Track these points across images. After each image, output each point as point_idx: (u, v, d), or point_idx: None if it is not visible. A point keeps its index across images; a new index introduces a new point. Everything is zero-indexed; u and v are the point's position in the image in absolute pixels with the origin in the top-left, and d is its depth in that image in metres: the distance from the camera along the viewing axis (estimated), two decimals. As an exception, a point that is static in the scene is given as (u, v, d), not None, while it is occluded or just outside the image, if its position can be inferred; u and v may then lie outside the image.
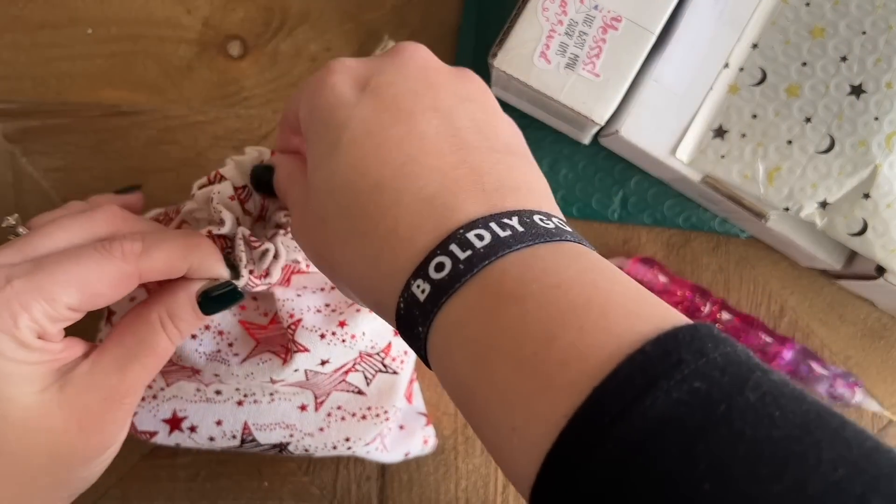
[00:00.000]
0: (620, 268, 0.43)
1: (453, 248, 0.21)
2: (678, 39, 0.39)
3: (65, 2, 0.45)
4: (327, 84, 0.25)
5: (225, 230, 0.31)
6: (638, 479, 0.17)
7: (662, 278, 0.43)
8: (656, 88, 0.39)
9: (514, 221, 0.22)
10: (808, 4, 0.39)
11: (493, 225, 0.22)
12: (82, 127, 0.44)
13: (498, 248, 0.21)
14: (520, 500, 0.43)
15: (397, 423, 0.39)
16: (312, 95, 0.25)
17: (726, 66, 0.40)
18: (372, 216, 0.23)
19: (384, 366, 0.37)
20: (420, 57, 0.26)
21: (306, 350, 0.34)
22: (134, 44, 0.44)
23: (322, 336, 0.35)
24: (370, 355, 0.37)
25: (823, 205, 0.39)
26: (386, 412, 0.37)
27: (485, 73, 0.41)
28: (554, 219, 0.23)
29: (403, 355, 0.38)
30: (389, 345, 0.37)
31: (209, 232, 0.31)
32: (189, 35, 0.45)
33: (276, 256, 0.32)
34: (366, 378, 0.37)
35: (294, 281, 0.35)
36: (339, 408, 0.37)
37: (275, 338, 0.36)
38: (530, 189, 0.24)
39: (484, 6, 0.44)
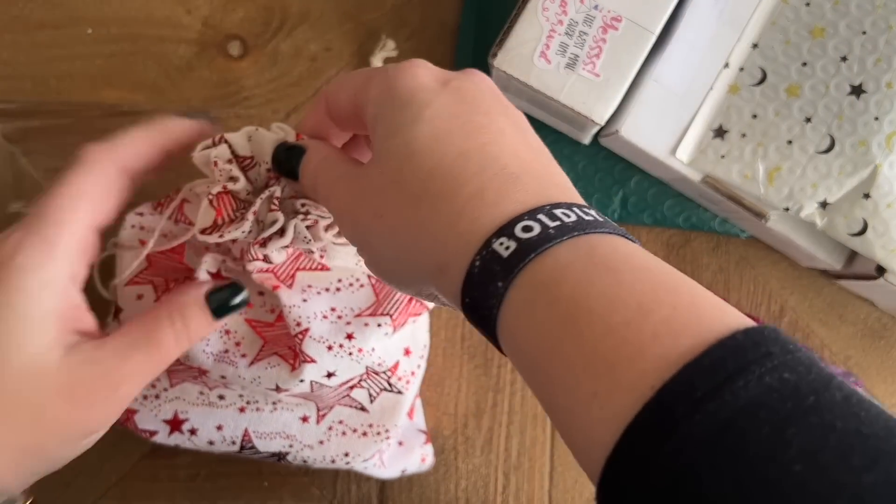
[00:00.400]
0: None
1: (542, 217, 0.22)
2: (678, 39, 0.39)
3: (65, 2, 0.45)
4: (409, 72, 0.26)
5: (238, 186, 0.31)
6: (726, 456, 0.17)
7: (662, 278, 0.43)
8: (656, 88, 0.39)
9: (593, 213, 0.23)
10: (808, 4, 0.39)
11: (576, 209, 0.23)
12: (82, 127, 0.44)
13: (585, 226, 0.22)
14: (520, 500, 0.43)
15: (396, 439, 0.39)
16: (393, 78, 0.26)
17: (726, 65, 0.40)
18: (457, 179, 0.23)
19: (389, 384, 0.37)
20: (488, 80, 0.27)
21: (313, 361, 0.34)
22: (134, 44, 0.44)
23: (329, 348, 0.35)
24: (376, 373, 0.37)
25: (823, 205, 0.39)
26: (387, 431, 0.37)
27: (485, 72, 0.41)
28: (586, 208, 0.24)
29: (410, 376, 0.38)
30: (397, 364, 0.37)
31: (224, 188, 0.30)
32: (189, 35, 0.45)
33: (281, 234, 0.31)
34: (370, 395, 0.37)
35: (298, 279, 0.35)
36: (340, 422, 0.37)
37: (282, 337, 0.36)
38: (571, 187, 0.26)
39: (484, 6, 0.44)
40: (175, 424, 0.37)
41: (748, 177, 0.39)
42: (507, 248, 0.22)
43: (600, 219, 0.23)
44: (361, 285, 0.36)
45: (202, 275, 0.34)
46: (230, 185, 0.31)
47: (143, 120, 0.32)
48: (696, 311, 0.20)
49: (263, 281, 0.34)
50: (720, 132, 0.39)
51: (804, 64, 0.39)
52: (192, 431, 0.37)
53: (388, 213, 0.25)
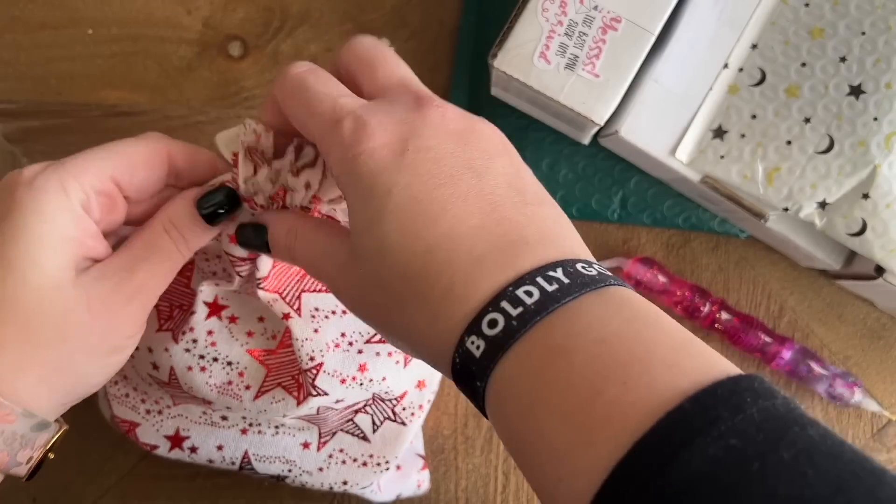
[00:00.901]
0: (619, 268, 0.43)
1: (505, 304, 0.22)
2: (678, 40, 0.39)
3: (65, 2, 0.45)
4: (364, 151, 0.25)
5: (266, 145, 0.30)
6: None
7: (662, 278, 0.43)
8: (656, 89, 0.39)
9: (560, 273, 0.23)
10: (807, 5, 0.39)
11: (539, 280, 0.23)
12: (83, 127, 0.44)
13: (547, 303, 0.22)
14: (520, 499, 0.43)
15: (395, 463, 0.39)
16: (349, 161, 0.25)
17: (726, 66, 0.40)
18: (428, 277, 0.24)
19: (394, 413, 0.37)
20: (449, 117, 0.26)
21: (325, 394, 0.34)
22: (134, 44, 0.44)
23: (343, 381, 0.34)
24: (383, 400, 0.37)
25: (823, 205, 0.39)
26: (387, 462, 0.37)
27: (485, 72, 0.41)
28: (594, 265, 0.24)
29: (417, 409, 0.38)
30: (405, 393, 0.37)
31: (248, 149, 0.30)
32: (189, 35, 0.45)
33: (312, 164, 0.30)
34: (373, 423, 0.37)
35: (304, 302, 0.34)
36: (341, 450, 0.37)
37: (286, 364, 0.35)
38: (565, 237, 0.25)
39: (484, 6, 0.44)
40: (176, 441, 0.37)
41: (747, 177, 0.39)
42: (478, 347, 0.23)
43: (565, 280, 0.23)
44: None
45: (198, 305, 0.34)
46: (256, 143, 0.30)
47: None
48: (648, 380, 0.20)
49: (271, 303, 0.33)
50: (719, 132, 0.40)
51: (803, 64, 0.39)
52: (193, 449, 0.37)
53: (379, 313, 0.26)
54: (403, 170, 0.25)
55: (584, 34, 0.37)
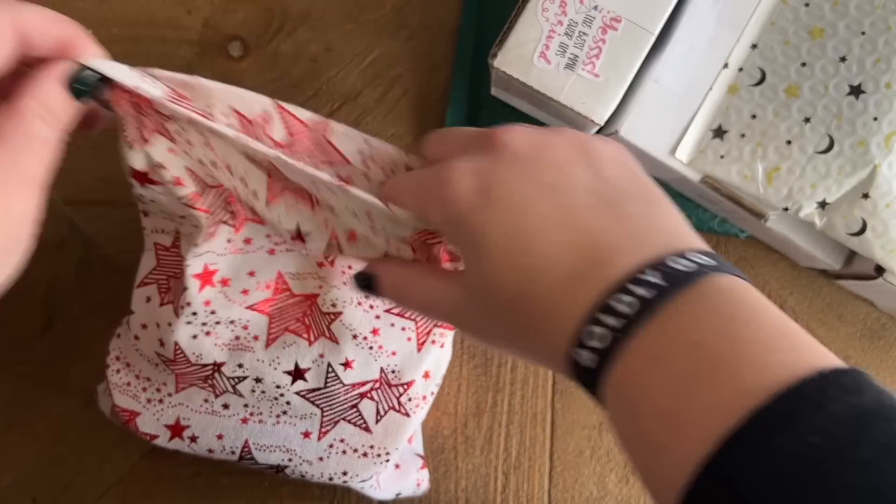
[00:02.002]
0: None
1: (604, 317, 0.24)
2: (678, 40, 0.39)
3: (65, 3, 0.45)
4: (451, 198, 0.27)
5: None
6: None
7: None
8: (656, 89, 0.39)
9: (653, 276, 0.24)
10: (807, 5, 0.39)
11: (634, 287, 0.24)
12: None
13: (644, 311, 0.23)
14: (519, 499, 0.43)
15: (394, 461, 0.39)
16: (444, 213, 0.27)
17: (726, 66, 0.40)
18: (533, 303, 0.25)
19: (399, 403, 0.37)
20: (517, 143, 0.28)
21: (336, 342, 0.36)
22: (135, 45, 0.44)
23: (354, 336, 0.36)
24: (389, 385, 0.37)
25: (822, 205, 0.39)
26: (388, 454, 0.37)
27: (485, 73, 0.41)
28: (691, 254, 0.24)
29: (421, 400, 0.38)
30: (412, 382, 0.37)
31: None
32: (190, 36, 0.45)
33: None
34: (377, 412, 0.37)
35: (340, 259, 0.36)
36: (341, 440, 0.37)
37: (287, 308, 0.36)
38: (655, 229, 0.26)
39: (484, 7, 0.44)
40: (176, 430, 0.37)
41: (747, 177, 0.39)
42: (586, 359, 0.24)
43: (663, 283, 0.23)
44: None
45: (189, 280, 0.34)
46: None
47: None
48: (735, 381, 0.21)
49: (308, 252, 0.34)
50: (719, 132, 0.40)
51: (803, 64, 0.39)
52: (193, 438, 0.37)
53: (498, 342, 0.29)
54: (490, 207, 0.26)
55: (584, 34, 0.37)
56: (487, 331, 0.28)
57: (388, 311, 0.37)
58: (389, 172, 0.32)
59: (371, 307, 0.36)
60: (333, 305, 0.36)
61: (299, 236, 0.33)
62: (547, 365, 0.27)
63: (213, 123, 0.29)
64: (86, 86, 0.29)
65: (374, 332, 0.36)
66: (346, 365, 0.36)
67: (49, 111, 0.28)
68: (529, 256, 0.25)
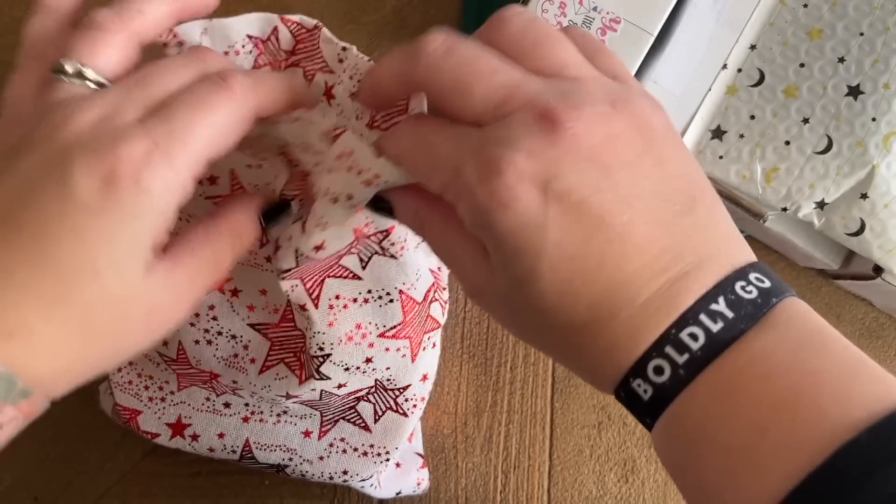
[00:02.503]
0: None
1: (670, 350, 0.22)
2: (677, 41, 0.40)
3: (67, 3, 0.45)
4: (499, 202, 0.22)
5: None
6: None
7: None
8: (655, 89, 0.40)
9: (722, 305, 0.22)
10: (805, 6, 0.39)
11: (703, 318, 0.22)
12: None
13: (714, 348, 0.22)
14: (519, 499, 0.43)
15: (394, 461, 0.39)
16: (483, 215, 0.22)
17: (724, 67, 0.40)
18: (590, 333, 0.23)
19: (396, 404, 0.37)
20: (582, 134, 0.22)
21: (328, 378, 0.34)
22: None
23: (346, 369, 0.35)
24: (386, 389, 0.37)
25: (821, 205, 0.39)
26: (387, 452, 0.38)
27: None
28: (752, 276, 0.23)
29: (419, 401, 0.38)
30: (409, 386, 0.37)
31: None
32: (190, 36, 0.45)
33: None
34: (375, 413, 0.37)
35: (327, 287, 0.33)
36: (342, 440, 0.37)
37: (288, 340, 0.36)
38: (719, 245, 0.23)
39: (483, 8, 0.45)
40: (178, 428, 0.37)
41: (746, 177, 0.39)
42: (645, 391, 0.22)
43: (728, 314, 0.22)
44: (391, 300, 0.34)
45: None
46: None
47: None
48: (818, 415, 0.20)
49: (291, 289, 0.32)
50: (718, 133, 0.40)
51: (802, 65, 0.39)
52: (194, 437, 0.37)
53: (534, 344, 0.26)
54: (550, 225, 0.22)
55: (584, 35, 0.37)
56: (523, 334, 0.26)
57: (381, 335, 0.35)
58: (357, 83, 0.30)
59: (364, 336, 0.34)
60: (321, 349, 0.34)
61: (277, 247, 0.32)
62: (585, 377, 0.25)
63: None
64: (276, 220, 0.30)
65: (368, 360, 0.35)
66: (340, 387, 0.36)
67: (242, 241, 0.28)
68: (596, 286, 0.22)
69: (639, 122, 0.23)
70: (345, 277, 0.33)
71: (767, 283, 0.23)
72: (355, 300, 0.34)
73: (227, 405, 0.37)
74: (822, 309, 0.45)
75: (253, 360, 0.35)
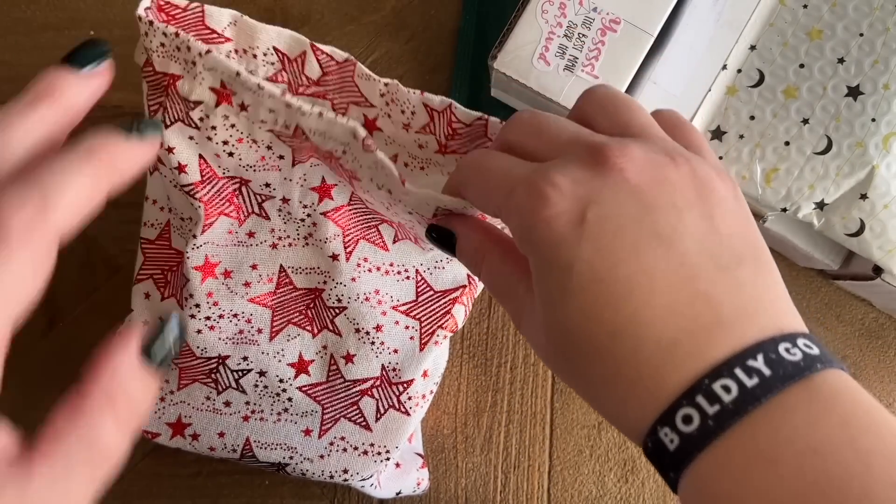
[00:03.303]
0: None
1: (700, 400, 0.21)
2: (676, 41, 0.40)
3: (67, 4, 0.45)
4: (542, 218, 0.23)
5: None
6: None
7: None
8: (655, 90, 0.40)
9: (760, 362, 0.21)
10: (805, 6, 0.39)
11: (738, 372, 0.21)
12: (85, 128, 0.44)
13: (746, 401, 0.21)
14: (519, 499, 0.43)
15: (394, 460, 0.40)
16: (527, 230, 0.24)
17: (724, 67, 0.40)
18: (613, 363, 0.23)
19: (399, 402, 0.38)
20: (629, 171, 0.23)
21: (339, 334, 0.36)
22: (136, 45, 0.45)
23: (357, 331, 0.37)
24: (390, 383, 0.37)
25: (821, 205, 0.39)
26: (388, 452, 0.38)
27: (484, 74, 0.42)
28: (799, 341, 0.22)
29: (421, 399, 0.38)
30: (412, 381, 0.38)
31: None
32: (191, 37, 0.45)
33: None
34: (378, 410, 0.38)
35: (359, 248, 0.36)
36: (342, 438, 0.38)
37: (289, 302, 0.37)
38: (765, 305, 0.23)
39: (483, 8, 0.45)
40: (178, 428, 0.37)
41: (746, 178, 0.39)
42: (672, 441, 0.21)
43: (766, 371, 0.21)
44: (408, 277, 0.37)
45: (189, 272, 0.35)
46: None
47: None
48: (870, 500, 0.19)
49: (330, 238, 0.35)
50: (718, 133, 0.40)
51: (802, 66, 0.39)
52: (194, 436, 0.37)
53: (563, 376, 0.25)
54: (583, 243, 0.23)
55: (584, 36, 0.38)
56: (553, 362, 0.25)
57: (394, 308, 0.37)
58: (410, 115, 0.33)
59: (379, 302, 0.37)
60: (339, 301, 0.36)
61: (325, 189, 0.35)
62: (607, 417, 0.24)
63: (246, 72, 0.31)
64: (168, 354, 0.23)
65: (378, 328, 0.37)
66: (348, 359, 0.37)
67: (128, 407, 0.21)
68: (619, 313, 0.22)
69: (696, 178, 0.24)
70: (376, 245, 0.36)
71: (816, 351, 0.22)
72: (378, 268, 0.37)
73: (227, 404, 0.37)
74: (822, 309, 0.45)
75: (260, 331, 0.36)
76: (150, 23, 0.30)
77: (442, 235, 0.29)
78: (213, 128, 0.32)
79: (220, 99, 0.31)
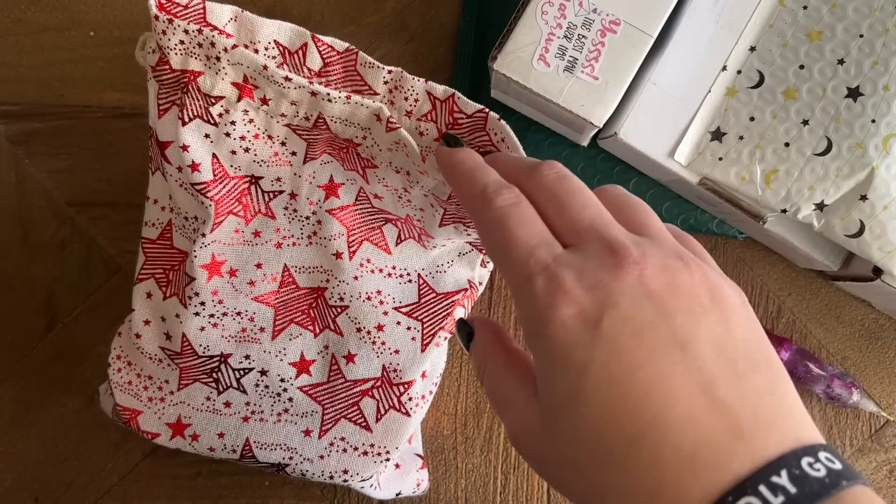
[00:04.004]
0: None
1: None
2: (676, 42, 0.40)
3: (67, 4, 0.45)
4: (557, 318, 0.23)
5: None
6: None
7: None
8: (654, 91, 0.40)
9: (784, 479, 0.20)
10: (805, 7, 0.39)
11: (763, 489, 0.20)
12: (85, 129, 0.44)
13: None
14: (519, 499, 0.43)
15: (394, 461, 0.40)
16: (540, 324, 0.24)
17: (724, 68, 0.40)
18: (631, 473, 0.22)
19: (399, 402, 0.38)
20: (648, 275, 0.23)
21: (340, 334, 0.36)
22: (136, 46, 0.45)
23: (358, 330, 0.37)
24: (391, 384, 0.38)
25: (820, 206, 0.39)
26: (388, 452, 0.38)
27: (484, 75, 0.42)
28: (821, 455, 0.21)
29: (421, 399, 0.38)
30: (413, 382, 0.38)
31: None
32: (191, 37, 0.45)
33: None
34: (378, 410, 0.38)
35: (363, 249, 0.37)
36: (342, 439, 0.38)
37: (292, 301, 0.37)
38: (784, 415, 0.22)
39: (483, 9, 0.45)
40: (178, 429, 0.37)
41: (745, 179, 0.39)
42: None
43: (792, 489, 0.20)
44: (410, 280, 0.38)
45: (195, 271, 0.35)
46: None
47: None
48: None
49: (334, 237, 0.36)
50: (718, 135, 0.40)
51: (801, 67, 0.39)
52: (194, 437, 0.37)
53: (570, 490, 0.24)
54: (599, 345, 0.22)
55: (584, 37, 0.37)
56: (559, 476, 0.24)
57: (396, 308, 0.37)
58: (413, 102, 0.33)
59: (381, 302, 0.37)
60: (341, 299, 0.37)
61: (333, 188, 0.35)
62: None
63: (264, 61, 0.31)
64: None
65: (379, 327, 0.37)
66: (349, 359, 0.37)
67: None
68: (637, 420, 0.21)
69: (708, 284, 0.24)
70: (379, 247, 0.37)
71: (838, 465, 0.21)
72: (381, 270, 0.37)
73: (227, 404, 0.37)
74: (822, 310, 0.45)
75: (262, 329, 0.37)
76: (170, 20, 0.31)
77: (463, 329, 0.30)
78: (233, 123, 0.33)
79: (241, 93, 0.32)
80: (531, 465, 0.26)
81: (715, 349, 0.22)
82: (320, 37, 0.33)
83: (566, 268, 0.24)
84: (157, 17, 0.31)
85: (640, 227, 0.26)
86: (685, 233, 0.28)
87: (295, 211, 0.36)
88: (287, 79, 0.31)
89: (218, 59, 0.31)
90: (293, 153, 0.35)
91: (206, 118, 0.32)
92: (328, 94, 0.31)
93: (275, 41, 0.32)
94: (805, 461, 0.21)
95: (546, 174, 0.27)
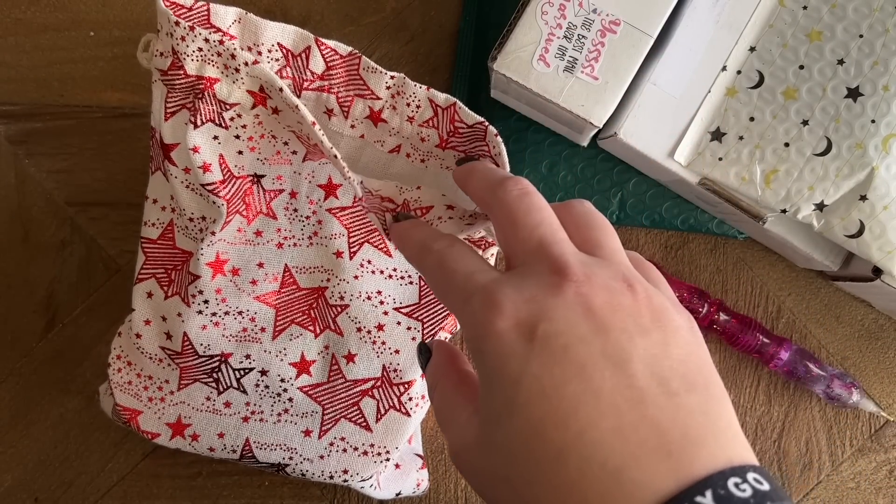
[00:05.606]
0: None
1: None
2: (676, 43, 0.40)
3: (67, 4, 0.45)
4: (493, 332, 0.23)
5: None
6: None
7: (660, 279, 0.43)
8: (654, 91, 0.40)
9: (709, 499, 0.20)
10: (805, 8, 0.39)
11: None
12: (85, 129, 0.44)
13: None
14: (519, 499, 0.43)
15: (394, 461, 0.40)
16: (478, 339, 0.24)
17: (724, 69, 0.40)
18: (559, 488, 0.22)
19: (399, 402, 0.38)
20: (585, 294, 0.24)
21: (340, 334, 0.37)
22: (135, 46, 0.45)
23: (358, 329, 0.37)
24: (391, 384, 0.38)
25: (820, 207, 0.39)
26: (388, 452, 0.38)
27: (484, 75, 0.42)
28: (749, 476, 0.21)
29: (421, 400, 0.38)
30: (413, 382, 0.38)
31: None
32: (191, 38, 0.45)
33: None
34: (378, 410, 0.38)
35: (363, 250, 0.37)
36: (342, 439, 0.38)
37: (293, 301, 0.37)
38: (716, 436, 0.22)
39: (483, 10, 0.45)
40: (177, 429, 0.37)
41: (745, 179, 0.39)
42: None
43: (713, 500, 0.20)
44: (411, 282, 0.38)
45: (201, 269, 0.35)
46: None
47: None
48: None
49: (335, 236, 0.36)
50: (717, 135, 0.40)
51: (801, 67, 0.39)
52: (194, 437, 0.37)
53: (490, 498, 0.24)
54: (533, 357, 0.23)
55: (583, 37, 0.38)
56: (493, 491, 0.24)
57: (396, 309, 0.37)
58: (415, 108, 0.33)
59: (381, 303, 0.37)
60: (341, 298, 0.37)
61: (331, 188, 0.35)
62: None
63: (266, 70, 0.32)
64: None
65: (380, 327, 0.37)
66: (349, 358, 0.37)
67: None
68: (564, 433, 0.21)
69: (652, 306, 0.24)
70: (379, 249, 0.37)
71: (766, 486, 0.21)
72: (382, 272, 0.37)
73: (227, 404, 0.37)
74: (822, 310, 0.45)
75: (263, 329, 0.37)
76: (192, 27, 0.31)
77: (423, 352, 0.30)
78: (244, 126, 0.33)
79: (256, 102, 0.32)
80: (468, 482, 0.26)
81: (649, 368, 0.22)
82: (324, 40, 0.33)
83: (504, 285, 0.24)
84: (177, 23, 0.31)
85: (594, 247, 0.26)
86: (646, 261, 0.28)
87: (296, 211, 0.36)
88: (297, 108, 0.31)
89: (237, 70, 0.31)
90: (294, 152, 0.35)
91: (217, 122, 0.33)
92: (322, 141, 0.31)
93: (278, 44, 0.33)
94: (732, 482, 0.20)
95: (510, 190, 0.27)
